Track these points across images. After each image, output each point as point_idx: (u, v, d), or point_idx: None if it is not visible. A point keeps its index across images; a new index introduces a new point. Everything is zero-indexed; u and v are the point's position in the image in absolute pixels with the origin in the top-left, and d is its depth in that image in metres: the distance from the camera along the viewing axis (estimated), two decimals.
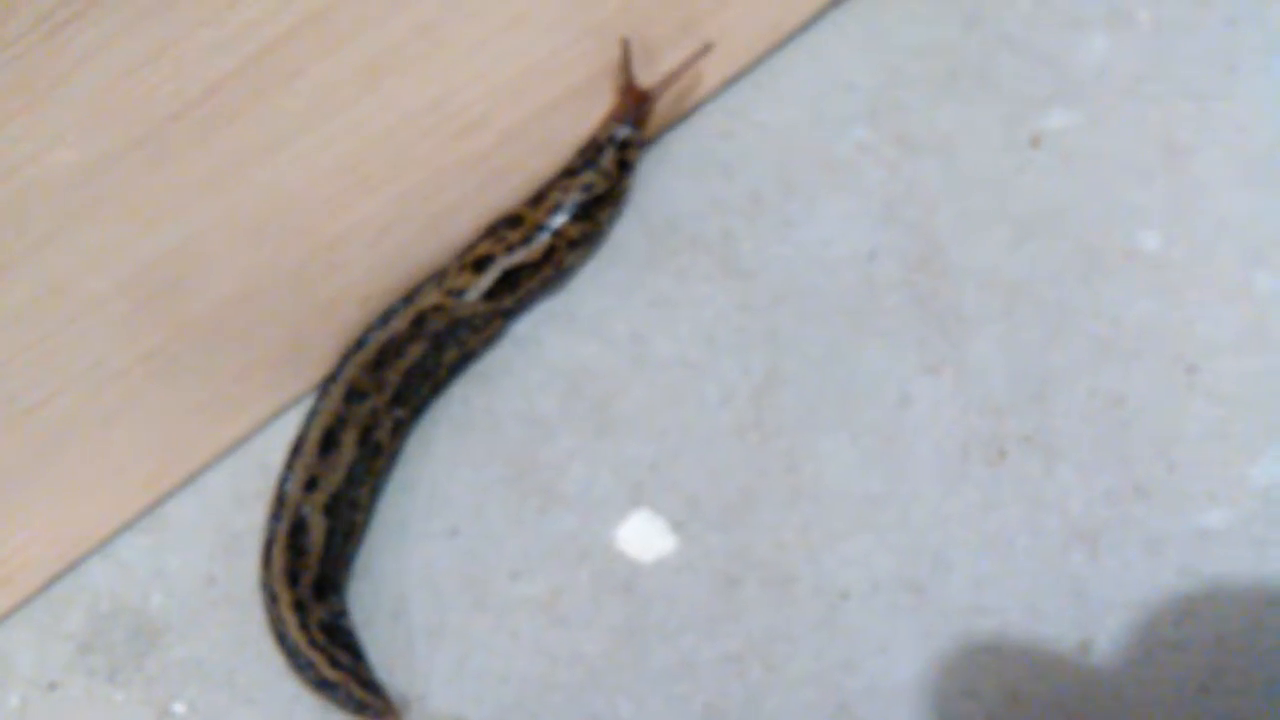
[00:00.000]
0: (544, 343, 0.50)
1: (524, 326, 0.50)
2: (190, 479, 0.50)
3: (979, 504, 0.44)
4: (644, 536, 0.46)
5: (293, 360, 0.49)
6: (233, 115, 0.44)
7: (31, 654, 0.49)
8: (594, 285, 0.51)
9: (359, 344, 0.46)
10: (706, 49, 0.47)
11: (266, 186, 0.45)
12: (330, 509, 0.45)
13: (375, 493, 0.47)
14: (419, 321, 0.45)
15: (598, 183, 0.46)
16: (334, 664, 0.43)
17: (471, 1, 0.45)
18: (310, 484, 0.45)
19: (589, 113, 0.48)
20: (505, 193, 0.49)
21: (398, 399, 0.46)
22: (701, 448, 0.47)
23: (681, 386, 0.48)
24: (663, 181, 0.51)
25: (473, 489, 0.48)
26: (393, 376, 0.45)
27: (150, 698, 0.47)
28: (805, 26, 0.50)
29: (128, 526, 0.50)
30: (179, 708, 0.46)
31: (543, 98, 0.48)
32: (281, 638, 0.45)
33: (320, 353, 0.49)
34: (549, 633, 0.45)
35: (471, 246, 0.46)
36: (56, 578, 0.50)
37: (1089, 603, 0.42)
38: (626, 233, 0.51)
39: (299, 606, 0.44)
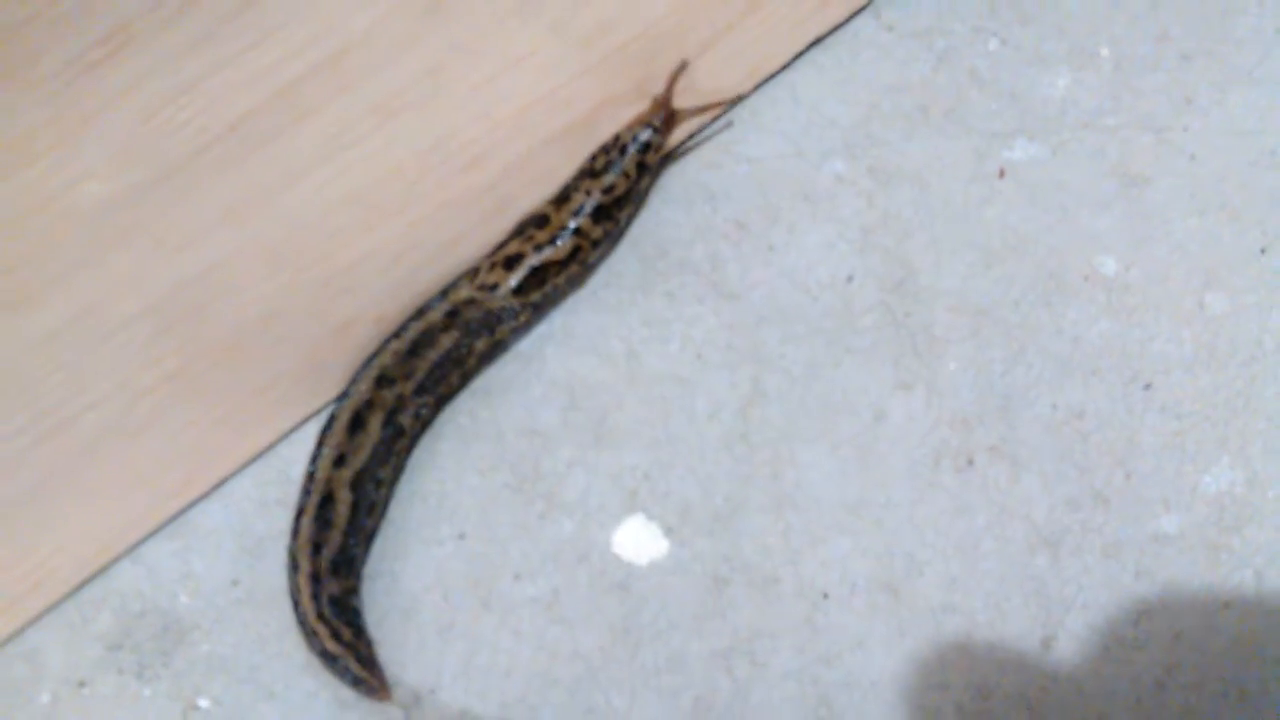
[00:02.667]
0: (545, 359, 0.53)
1: (526, 344, 0.54)
2: (215, 487, 0.53)
3: (949, 510, 0.47)
4: (638, 540, 0.49)
5: (310, 377, 0.52)
6: (254, 150, 0.47)
7: (62, 653, 0.52)
8: (591, 305, 0.54)
9: (397, 333, 0.49)
10: (739, 98, 0.51)
11: (285, 216, 0.48)
12: (355, 484, 0.48)
13: (396, 473, 0.50)
14: (453, 313, 0.49)
15: (619, 184, 0.49)
16: (336, 638, 0.47)
17: (474, 45, 0.48)
18: (339, 461, 0.48)
19: (585, 146, 0.52)
20: (507, 222, 0.52)
21: (424, 386, 0.49)
22: (692, 457, 0.50)
23: (673, 400, 0.51)
24: (654, 210, 0.54)
25: (479, 496, 0.51)
26: (422, 365, 0.48)
27: (177, 693, 0.50)
28: (786, 66, 0.53)
29: (155, 532, 0.53)
30: (204, 702, 0.49)
31: (541, 133, 0.51)
32: (295, 605, 0.48)
33: (336, 370, 0.52)
34: (549, 631, 0.48)
35: (502, 245, 0.50)
36: (87, 581, 0.53)
37: (1051, 603, 0.45)
38: (621, 257, 0.55)
39: (314, 578, 0.47)
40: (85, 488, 0.51)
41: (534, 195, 0.52)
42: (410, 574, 0.50)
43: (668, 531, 0.49)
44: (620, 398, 0.52)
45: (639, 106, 0.51)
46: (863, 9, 0.54)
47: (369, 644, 0.48)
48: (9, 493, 0.49)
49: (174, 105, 0.45)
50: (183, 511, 0.53)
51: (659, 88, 0.51)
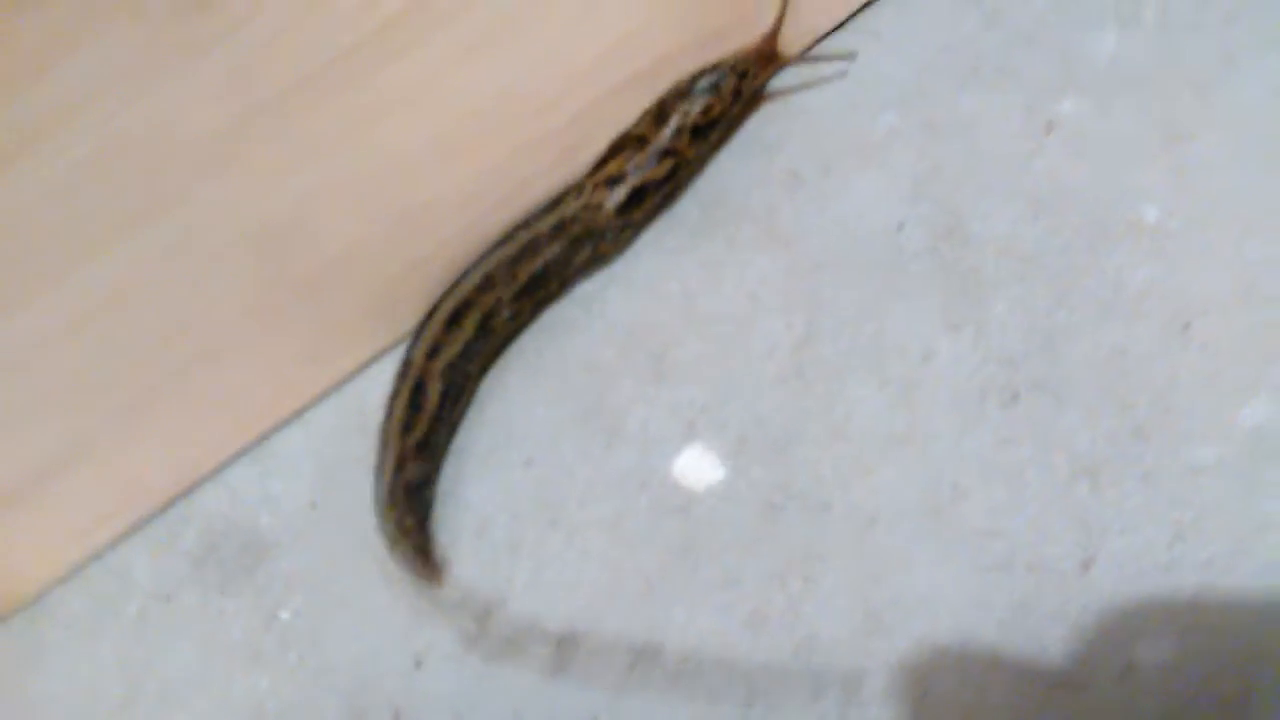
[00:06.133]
0: (607, 301, 0.56)
1: (588, 287, 0.56)
2: (295, 415, 0.56)
3: (994, 442, 0.49)
4: (697, 468, 0.52)
5: (386, 312, 0.55)
6: (345, 88, 0.49)
7: (149, 568, 0.55)
8: (651, 250, 0.57)
9: (502, 240, 0.52)
10: (851, 55, 0.55)
11: (370, 153, 0.51)
12: (446, 375, 0.51)
13: (483, 370, 0.53)
14: (560, 227, 0.52)
15: (717, 105, 0.52)
16: (401, 519, 0.50)
17: None
18: (433, 352, 0.51)
19: (650, 96, 0.54)
20: (575, 166, 0.55)
21: (525, 291, 0.52)
22: (748, 392, 0.53)
23: (730, 339, 0.54)
24: (714, 160, 0.57)
25: (546, 426, 0.54)
26: (525, 272, 0.51)
27: (259, 606, 0.53)
28: (841, 26, 0.56)
29: (238, 456, 0.56)
30: (285, 614, 0.52)
31: (612, 81, 0.54)
32: (377, 479, 0.51)
33: (409, 306, 0.55)
34: (613, 550, 0.51)
35: (603, 163, 0.52)
36: (173, 501, 0.56)
37: (1091, 528, 0.47)
38: (680, 204, 0.57)
39: (399, 461, 0.51)
40: (175, 410, 0.54)
41: (600, 141, 0.54)
42: (481, 497, 0.53)
43: (725, 460, 0.51)
44: (679, 336, 0.54)
45: (705, 56, 0.53)
46: None
47: (428, 535, 0.51)
48: (103, 411, 0.52)
49: (275, 44, 0.48)
50: (264, 437, 0.56)
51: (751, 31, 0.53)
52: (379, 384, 0.55)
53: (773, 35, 0.53)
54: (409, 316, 0.55)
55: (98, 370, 0.51)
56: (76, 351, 0.50)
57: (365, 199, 0.52)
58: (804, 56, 0.56)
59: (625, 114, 0.54)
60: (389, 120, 0.50)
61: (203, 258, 0.50)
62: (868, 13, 0.57)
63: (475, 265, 0.52)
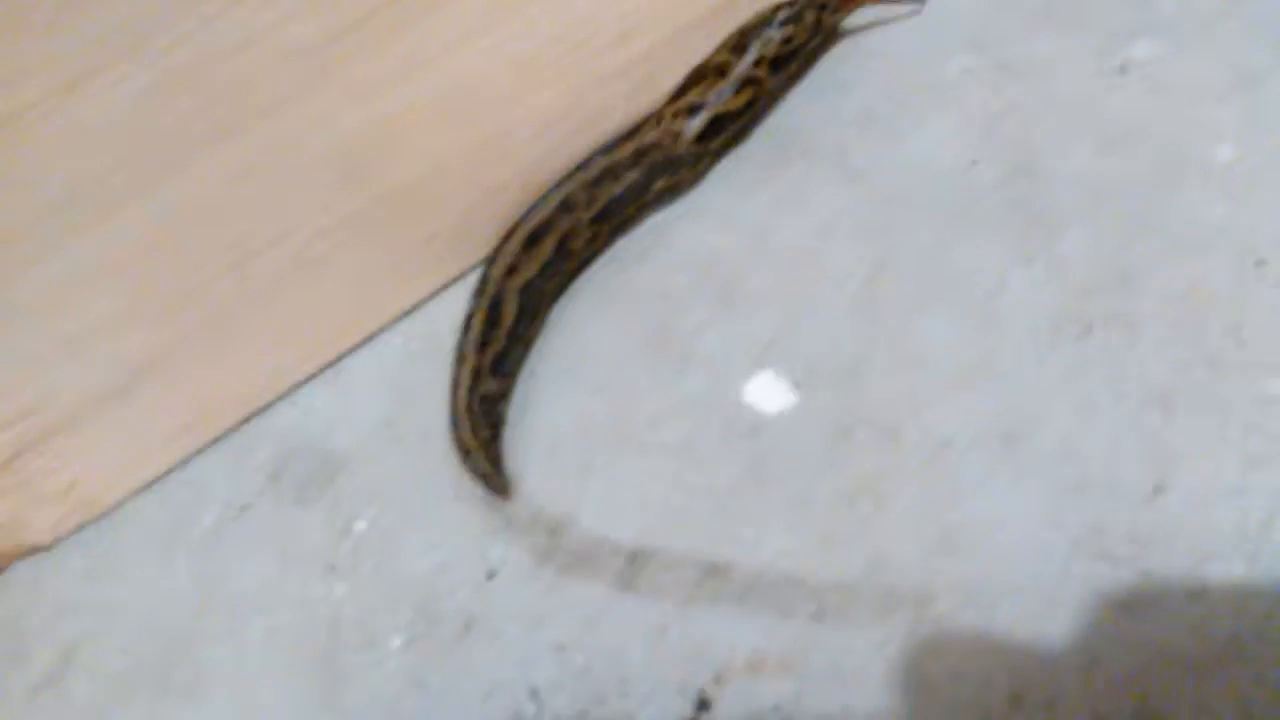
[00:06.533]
0: (677, 231, 0.57)
1: (658, 218, 0.57)
2: (369, 338, 0.57)
3: (1067, 371, 0.50)
4: (768, 393, 0.52)
5: (461, 238, 0.56)
6: (432, 9, 0.50)
7: (225, 481, 0.56)
8: (721, 184, 0.58)
9: (582, 165, 0.53)
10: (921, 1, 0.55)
11: (454, 75, 0.52)
12: (523, 292, 0.52)
13: (558, 292, 0.54)
14: (640, 153, 0.53)
15: (797, 35, 0.53)
16: (474, 431, 0.51)
17: None
18: (511, 270, 0.52)
19: (724, 31, 0.55)
20: (650, 99, 0.55)
21: (603, 215, 0.53)
22: (819, 320, 0.53)
23: (801, 269, 0.54)
24: (787, 96, 0.58)
25: (616, 352, 0.54)
26: (603, 196, 0.52)
27: (334, 518, 0.54)
28: None
29: (313, 377, 0.57)
30: (360, 525, 0.53)
31: (687, 16, 0.55)
32: (453, 392, 0.52)
33: (484, 235, 0.56)
34: (684, 471, 0.51)
35: (683, 90, 0.53)
36: (249, 418, 0.57)
37: (1163, 455, 0.48)
38: (752, 141, 0.58)
39: (476, 373, 0.52)
40: (254, 327, 0.55)
41: (678, 72, 0.55)
42: (554, 419, 0.53)
43: (795, 386, 0.52)
44: (750, 267, 0.55)
45: None
46: None
47: (500, 449, 0.52)
48: (186, 325, 0.53)
49: None
50: (339, 360, 0.57)
51: None
52: (451, 310, 0.55)
53: None
54: (484, 242, 0.56)
55: (183, 283, 0.52)
56: (163, 263, 0.51)
57: (449, 119, 0.53)
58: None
59: (701, 46, 0.55)
60: (471, 44, 0.51)
61: (287, 174, 0.51)
62: None
63: (555, 189, 0.53)
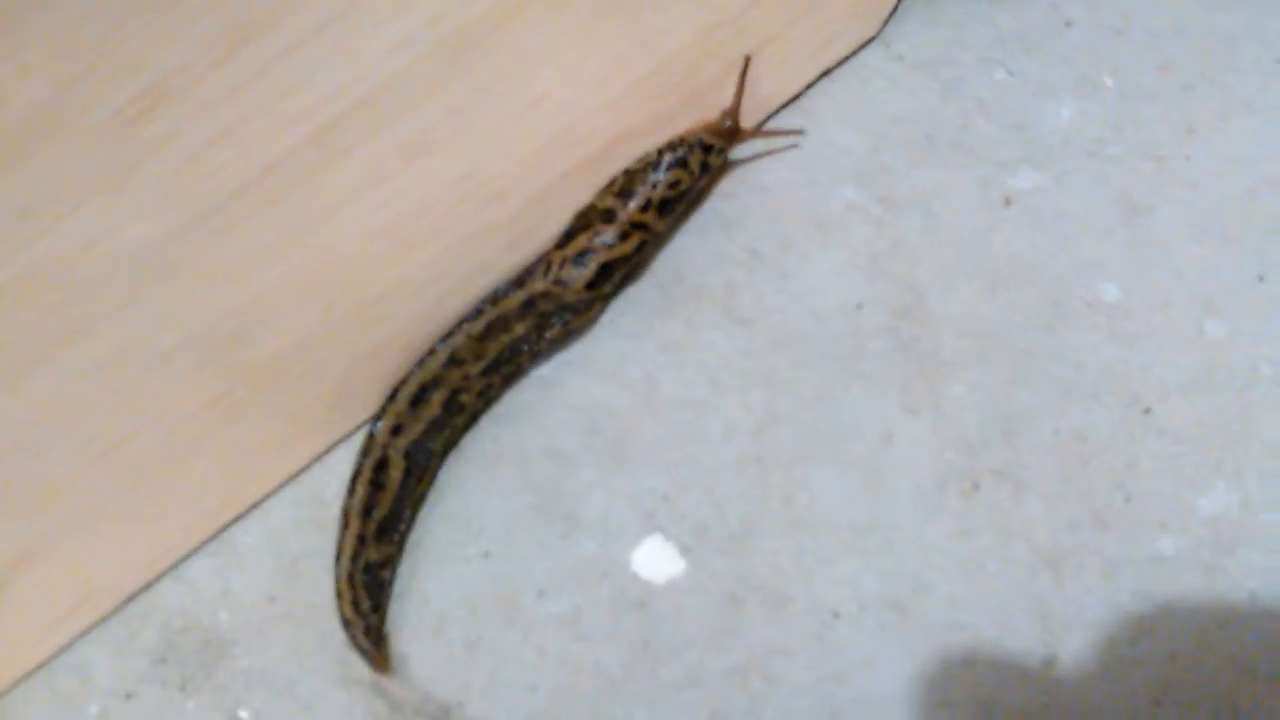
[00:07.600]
0: (565, 385, 0.55)
1: (546, 370, 0.56)
2: (253, 507, 0.55)
3: (955, 532, 0.49)
4: (656, 560, 0.51)
5: (343, 401, 0.55)
6: (289, 190, 0.49)
7: (109, 666, 0.55)
8: (610, 332, 0.56)
9: (472, 316, 0.52)
10: (800, 132, 0.55)
11: (319, 251, 0.50)
12: (410, 453, 0.51)
13: (448, 446, 0.53)
14: (529, 303, 0.52)
15: (683, 180, 0.52)
16: (355, 605, 0.50)
17: (497, 87, 0.50)
18: (396, 430, 0.51)
19: (601, 179, 0.54)
20: (529, 251, 0.54)
21: (493, 367, 0.52)
22: (707, 479, 0.52)
23: (689, 424, 0.53)
24: (672, 238, 0.56)
25: (503, 516, 0.53)
26: (494, 348, 0.51)
27: (220, 705, 0.52)
28: (797, 97, 0.55)
29: (197, 550, 0.55)
30: (245, 714, 0.52)
31: (561, 168, 0.53)
32: (336, 561, 0.51)
33: (366, 394, 0.54)
34: (572, 647, 0.50)
35: (571, 237, 0.52)
36: (132, 597, 0.55)
37: (1053, 622, 0.47)
38: (638, 284, 0.57)
39: (360, 540, 0.50)
40: (130, 508, 0.53)
41: (557, 222, 0.54)
42: (438, 592, 0.52)
43: (684, 551, 0.51)
44: (638, 421, 0.54)
45: (654, 139, 0.53)
46: (872, 40, 0.56)
47: (382, 620, 0.51)
48: (59, 514, 0.52)
49: (211, 152, 0.47)
50: (222, 530, 0.56)
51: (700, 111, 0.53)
52: (336, 474, 0.54)
53: (734, 109, 0.53)
54: (367, 403, 0.54)
55: (48, 477, 0.50)
56: (24, 460, 0.50)
57: (318, 294, 0.51)
58: (762, 130, 0.55)
59: (581, 194, 0.54)
60: (334, 220, 0.50)
61: (149, 364, 0.49)
62: (824, 84, 0.56)
63: (441, 342, 0.52)
